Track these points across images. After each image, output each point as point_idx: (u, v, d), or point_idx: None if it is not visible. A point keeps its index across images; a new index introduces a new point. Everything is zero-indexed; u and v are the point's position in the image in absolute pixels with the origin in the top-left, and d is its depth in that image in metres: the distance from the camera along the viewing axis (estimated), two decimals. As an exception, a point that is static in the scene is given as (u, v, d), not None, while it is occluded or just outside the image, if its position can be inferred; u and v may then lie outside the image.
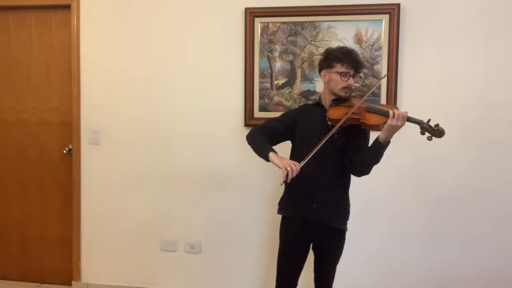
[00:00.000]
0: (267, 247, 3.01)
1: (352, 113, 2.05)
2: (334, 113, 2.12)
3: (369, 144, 2.14)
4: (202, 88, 3.03)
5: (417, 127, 2.02)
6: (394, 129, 1.95)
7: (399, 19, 2.75)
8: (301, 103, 2.83)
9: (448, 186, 2.80)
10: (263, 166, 2.89)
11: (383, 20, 2.77)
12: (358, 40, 2.81)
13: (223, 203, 3.06)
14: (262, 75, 2.94)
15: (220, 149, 3.03)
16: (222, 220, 3.07)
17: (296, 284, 2.28)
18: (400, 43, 2.77)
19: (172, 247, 3.15)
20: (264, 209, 3.00)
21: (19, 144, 3.38)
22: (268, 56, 2.92)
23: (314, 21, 2.86)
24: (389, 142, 2.00)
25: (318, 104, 2.25)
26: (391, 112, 1.94)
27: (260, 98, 2.95)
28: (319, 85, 2.86)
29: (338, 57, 2.13)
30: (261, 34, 2.92)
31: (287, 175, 1.97)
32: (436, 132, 1.98)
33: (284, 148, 2.24)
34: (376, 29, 2.79)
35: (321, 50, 2.71)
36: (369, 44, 2.80)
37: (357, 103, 2.10)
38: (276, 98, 2.94)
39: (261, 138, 2.20)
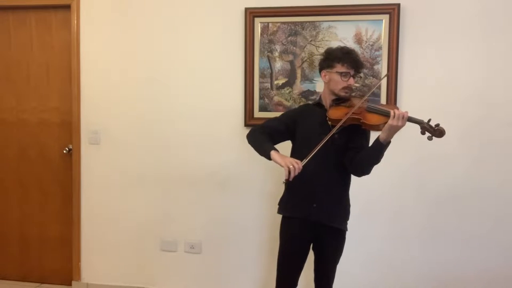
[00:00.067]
0: (267, 247, 3.01)
1: (353, 113, 2.05)
2: (334, 113, 2.12)
3: (370, 144, 2.14)
4: (202, 88, 3.03)
5: (417, 127, 2.02)
6: (395, 129, 1.95)
7: (399, 19, 2.75)
8: (301, 103, 2.83)
9: (448, 186, 2.80)
10: (263, 166, 2.91)
11: (383, 20, 2.77)
12: (358, 40, 2.81)
13: (223, 203, 3.06)
14: (262, 75, 2.94)
15: (220, 149, 3.03)
16: (222, 220, 3.07)
17: (296, 284, 2.28)
18: (400, 43, 2.77)
19: (172, 247, 3.15)
20: (264, 209, 3.00)
21: (19, 144, 3.38)
22: (268, 56, 2.92)
23: (314, 21, 2.86)
24: (389, 142, 2.00)
25: (319, 104, 2.25)
26: (392, 112, 1.94)
27: (260, 98, 2.95)
28: (319, 85, 2.86)
29: (338, 57, 2.13)
30: (261, 34, 2.92)
31: (289, 174, 1.97)
32: (436, 132, 1.98)
33: (284, 148, 2.24)
34: (376, 29, 2.79)
35: (321, 50, 2.71)
36: (369, 44, 2.80)
37: (357, 103, 2.10)
38: (276, 98, 2.94)
39: (262, 137, 2.20)
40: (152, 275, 3.19)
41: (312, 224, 2.18)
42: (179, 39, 3.04)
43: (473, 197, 2.78)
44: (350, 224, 2.26)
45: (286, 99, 2.92)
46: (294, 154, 2.22)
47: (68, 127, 3.27)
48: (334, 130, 2.05)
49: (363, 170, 2.13)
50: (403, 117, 1.94)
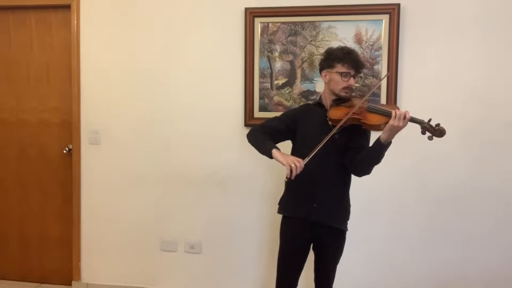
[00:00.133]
0: (267, 247, 3.01)
1: (353, 113, 2.05)
2: (335, 113, 2.12)
3: (370, 144, 2.14)
4: (202, 88, 3.03)
5: (418, 127, 2.02)
6: (396, 129, 1.95)
7: (399, 19, 2.74)
8: (301, 103, 2.83)
9: (449, 186, 2.80)
10: (263, 166, 2.91)
11: (383, 20, 2.77)
12: (358, 40, 2.81)
13: (223, 203, 3.06)
14: (262, 75, 2.94)
15: (220, 149, 3.03)
16: (222, 220, 3.07)
17: (296, 284, 2.28)
18: (400, 43, 2.77)
19: (172, 247, 3.15)
20: (264, 209, 3.00)
21: (19, 144, 3.38)
22: (268, 56, 2.92)
23: (314, 21, 2.86)
24: (390, 142, 2.00)
25: (319, 104, 2.25)
26: (393, 112, 1.94)
27: (260, 98, 2.95)
28: (319, 85, 2.86)
29: (339, 57, 2.13)
30: (261, 34, 2.92)
31: (291, 172, 1.97)
32: (437, 132, 1.98)
33: (284, 148, 2.24)
34: (376, 29, 2.79)
35: (321, 50, 2.71)
36: (369, 44, 2.80)
37: (358, 103, 2.10)
38: (276, 98, 2.93)
39: (263, 136, 2.20)
40: (152, 275, 3.19)
41: (312, 224, 2.18)
42: (179, 39, 3.04)
43: (474, 197, 2.78)
44: (351, 224, 2.26)
45: (286, 99, 2.92)
46: (295, 153, 2.22)
47: (68, 127, 3.27)
48: (334, 130, 2.05)
49: (364, 170, 2.13)
50: (404, 117, 1.93)
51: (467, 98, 2.75)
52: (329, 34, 2.84)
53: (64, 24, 3.22)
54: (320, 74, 2.23)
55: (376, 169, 2.11)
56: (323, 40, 2.85)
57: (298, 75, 2.90)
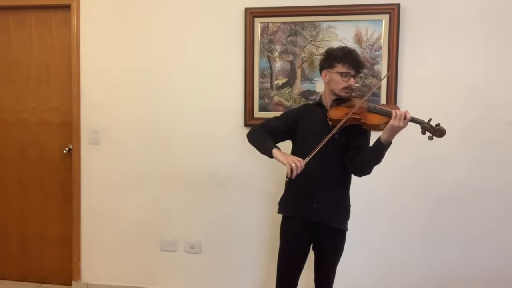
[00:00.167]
0: (267, 247, 3.01)
1: (353, 113, 2.05)
2: (335, 113, 2.12)
3: (370, 144, 2.14)
4: (202, 88, 3.03)
5: (418, 127, 2.02)
6: (396, 129, 1.95)
7: (399, 19, 2.74)
8: (301, 103, 2.83)
9: (449, 186, 2.80)
10: (263, 166, 2.91)
11: (383, 20, 2.77)
12: (358, 40, 2.81)
13: (223, 203, 3.06)
14: (262, 75, 2.94)
15: (220, 149, 3.03)
16: (222, 220, 3.07)
17: (296, 284, 2.28)
18: (400, 43, 2.77)
19: (172, 247, 3.15)
20: (264, 209, 3.00)
21: (19, 144, 3.38)
22: (268, 56, 2.92)
23: (314, 21, 2.86)
24: (390, 142, 2.00)
25: (319, 104, 2.25)
26: (393, 112, 1.94)
27: (260, 98, 2.95)
28: (319, 85, 2.86)
29: (339, 57, 2.13)
30: (261, 34, 2.92)
31: (291, 172, 1.97)
32: (437, 132, 1.98)
33: (285, 148, 2.24)
34: (376, 29, 2.79)
35: (321, 50, 2.72)
36: (369, 44, 2.80)
37: (358, 103, 2.10)
38: (276, 98, 2.93)
39: (263, 135, 2.20)
40: (152, 275, 3.19)
41: (312, 224, 2.18)
42: (179, 39, 3.04)
43: (474, 197, 2.78)
44: (351, 224, 2.26)
45: (286, 99, 2.92)
46: (295, 153, 2.21)
47: (68, 127, 3.27)
48: (334, 130, 2.05)
49: (364, 170, 2.12)
50: (405, 117, 1.93)
51: (467, 98, 2.75)
52: (329, 34, 2.84)
53: (64, 24, 3.22)
54: (320, 74, 2.23)
55: (376, 169, 2.11)
56: (323, 40, 2.85)
57: (298, 75, 2.90)
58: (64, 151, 3.28)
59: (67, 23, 3.19)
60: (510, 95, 2.72)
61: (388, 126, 1.96)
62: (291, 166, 1.97)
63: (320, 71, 2.23)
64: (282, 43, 2.90)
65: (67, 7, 3.16)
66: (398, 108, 2.00)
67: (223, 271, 3.10)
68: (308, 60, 2.88)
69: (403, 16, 2.76)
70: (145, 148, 3.12)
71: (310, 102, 2.65)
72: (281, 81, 2.93)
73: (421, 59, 2.78)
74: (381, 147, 2.00)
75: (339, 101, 2.17)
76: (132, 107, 3.12)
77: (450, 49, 2.75)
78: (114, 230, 3.21)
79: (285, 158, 2.02)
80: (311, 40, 2.87)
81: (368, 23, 2.80)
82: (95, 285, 3.27)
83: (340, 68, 2.12)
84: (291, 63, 2.90)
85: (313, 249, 2.28)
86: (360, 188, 2.43)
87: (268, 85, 2.94)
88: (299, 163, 1.98)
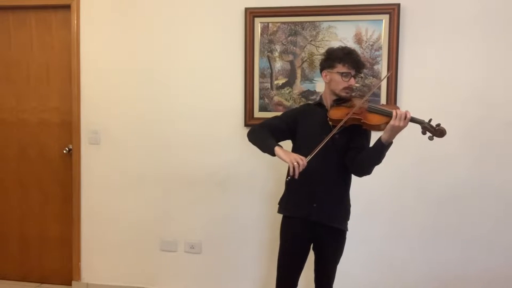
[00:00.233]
0: (267, 247, 3.01)
1: (353, 113, 2.05)
2: (335, 113, 2.12)
3: (370, 144, 2.14)
4: (202, 88, 3.03)
5: (418, 127, 2.02)
6: (397, 129, 1.95)
7: (399, 19, 2.75)
8: (301, 103, 2.83)
9: (449, 186, 2.80)
10: (263, 166, 2.91)
11: (383, 20, 2.77)
12: (358, 40, 2.81)
13: (223, 203, 3.06)
14: (262, 75, 2.94)
15: (220, 149, 3.03)
16: (222, 220, 3.07)
17: (296, 284, 2.28)
18: (400, 43, 2.77)
19: (172, 247, 3.15)
20: (264, 209, 3.00)
21: (19, 144, 3.37)
22: (268, 56, 2.92)
23: (314, 21, 2.86)
24: (391, 143, 2.00)
25: (319, 104, 2.25)
26: (394, 112, 1.94)
27: (260, 98, 2.95)
28: (319, 85, 2.86)
29: (339, 57, 2.13)
30: (261, 34, 2.92)
31: (293, 170, 1.96)
32: (437, 132, 1.98)
33: (285, 147, 2.24)
34: (376, 29, 2.79)
35: (321, 50, 2.72)
36: (369, 44, 2.80)
37: (358, 103, 2.10)
38: (276, 98, 2.94)
39: (264, 134, 2.20)
40: (152, 275, 3.19)
41: (312, 224, 2.18)
42: (179, 39, 3.04)
43: (474, 197, 2.79)
44: (351, 224, 2.26)
45: (286, 99, 2.92)
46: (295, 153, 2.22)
47: (68, 127, 3.27)
48: (335, 130, 2.05)
49: (364, 170, 2.12)
50: (405, 117, 1.93)
51: (467, 98, 2.75)
52: (329, 34, 2.84)
53: (64, 24, 3.22)
54: (321, 74, 2.23)
55: (377, 169, 2.11)
56: (323, 40, 2.85)
57: (298, 75, 2.90)
58: (64, 151, 3.28)
59: (67, 23, 3.19)
60: (510, 95, 2.72)
61: (388, 126, 1.96)
62: (293, 164, 1.97)
63: (321, 71, 2.22)
64: (282, 43, 2.90)
65: (67, 7, 3.16)
66: (399, 108, 2.00)
67: (223, 271, 3.10)
68: (308, 60, 2.88)
69: (403, 16, 2.76)
70: (145, 148, 3.12)
71: (310, 102, 2.65)
72: (281, 81, 2.93)
73: (421, 59, 2.78)
74: (382, 147, 2.00)
75: (340, 101, 2.17)
76: (132, 107, 3.12)
77: (450, 49, 2.75)
78: (114, 230, 3.21)
79: (288, 156, 2.01)
80: (311, 40, 2.87)
81: (368, 23, 2.80)
82: (95, 285, 3.26)
83: (340, 68, 2.12)
84: (291, 63, 2.91)
85: (313, 249, 2.28)
86: (360, 188, 2.43)
87: (268, 85, 2.94)
88: (302, 161, 1.97)
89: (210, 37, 3.00)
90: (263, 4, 2.89)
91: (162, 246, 3.16)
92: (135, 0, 3.07)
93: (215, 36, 3.00)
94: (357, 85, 2.43)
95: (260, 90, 2.94)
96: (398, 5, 2.74)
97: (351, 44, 2.77)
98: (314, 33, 2.86)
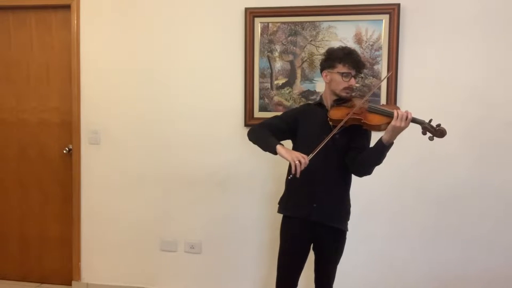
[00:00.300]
0: (267, 247, 3.01)
1: (354, 113, 2.05)
2: (335, 113, 2.12)
3: (371, 145, 2.14)
4: (202, 88, 3.03)
5: (418, 127, 2.02)
6: (398, 130, 1.95)
7: (399, 19, 2.75)
8: (301, 103, 2.83)
9: (449, 186, 2.80)
10: (263, 166, 2.91)
11: (383, 20, 2.77)
12: (358, 40, 2.81)
13: (223, 203, 3.06)
14: (262, 75, 2.94)
15: (220, 149, 3.03)
16: (222, 220, 3.07)
17: (296, 284, 2.28)
18: (400, 43, 2.77)
19: (172, 247, 3.15)
20: (264, 209, 3.00)
21: (19, 144, 3.37)
22: (268, 56, 2.92)
23: (314, 21, 2.86)
24: (392, 143, 2.00)
25: (320, 104, 2.25)
26: (395, 113, 1.94)
27: (260, 98, 2.95)
28: (319, 85, 2.86)
29: (339, 57, 2.13)
30: (261, 34, 2.92)
31: (295, 169, 1.96)
32: (437, 132, 1.98)
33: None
34: (376, 29, 2.79)
35: (321, 50, 2.72)
36: (369, 44, 2.80)
37: (358, 103, 2.10)
38: (276, 98, 2.94)
39: (265, 132, 2.20)
40: (152, 275, 3.19)
41: (312, 224, 2.18)
42: (179, 39, 3.04)
43: (474, 197, 2.79)
44: (351, 224, 2.26)
45: (286, 99, 2.92)
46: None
47: (68, 127, 3.26)
48: (335, 131, 2.05)
49: (365, 170, 2.12)
50: (406, 118, 1.93)
51: (467, 98, 2.75)
52: (329, 34, 2.84)
53: (64, 24, 3.22)
54: (321, 74, 2.23)
55: (377, 169, 2.11)
56: (323, 40, 2.85)
57: (298, 75, 2.90)
58: (64, 151, 3.28)
59: (67, 23, 3.19)
60: (510, 95, 2.72)
61: (390, 126, 1.95)
62: (295, 162, 1.96)
63: (321, 71, 2.22)
64: (282, 43, 2.90)
65: (67, 7, 3.16)
66: (399, 108, 2.00)
67: (223, 271, 3.10)
68: (308, 60, 2.88)
69: (403, 16, 2.76)
70: (145, 148, 3.12)
71: (310, 102, 2.65)
72: (281, 81, 2.93)
73: (421, 59, 2.78)
74: (383, 148, 2.00)
75: (340, 101, 2.17)
76: (132, 107, 3.12)
77: (450, 49, 2.75)
78: (114, 230, 3.21)
79: (290, 155, 2.01)
80: (311, 40, 2.87)
81: (368, 23, 2.80)
82: (95, 285, 3.26)
83: (341, 68, 2.12)
84: (291, 63, 2.91)
85: (313, 249, 2.27)
86: (360, 188, 2.43)
87: (268, 85, 2.94)
88: (303, 160, 1.97)
89: (210, 37, 3.00)
90: (263, 4, 2.89)
91: (162, 246, 3.16)
92: (135, 0, 3.07)
93: (215, 36, 3.00)
94: (357, 85, 2.43)
95: (260, 90, 2.95)
96: (398, 5, 2.74)
97: (351, 44, 2.77)
98: (314, 33, 2.86)
